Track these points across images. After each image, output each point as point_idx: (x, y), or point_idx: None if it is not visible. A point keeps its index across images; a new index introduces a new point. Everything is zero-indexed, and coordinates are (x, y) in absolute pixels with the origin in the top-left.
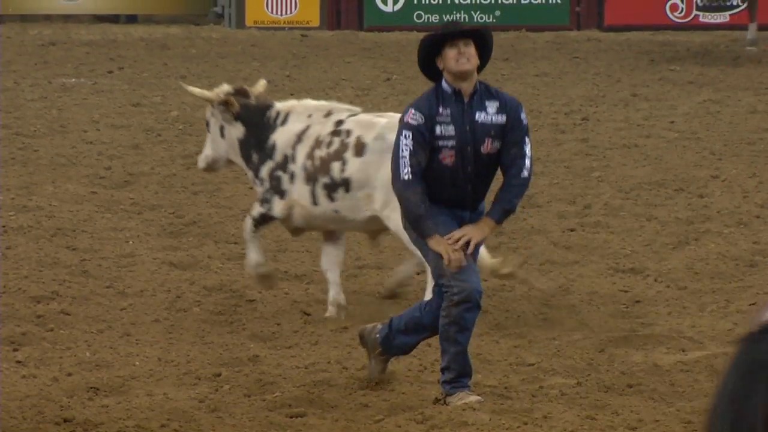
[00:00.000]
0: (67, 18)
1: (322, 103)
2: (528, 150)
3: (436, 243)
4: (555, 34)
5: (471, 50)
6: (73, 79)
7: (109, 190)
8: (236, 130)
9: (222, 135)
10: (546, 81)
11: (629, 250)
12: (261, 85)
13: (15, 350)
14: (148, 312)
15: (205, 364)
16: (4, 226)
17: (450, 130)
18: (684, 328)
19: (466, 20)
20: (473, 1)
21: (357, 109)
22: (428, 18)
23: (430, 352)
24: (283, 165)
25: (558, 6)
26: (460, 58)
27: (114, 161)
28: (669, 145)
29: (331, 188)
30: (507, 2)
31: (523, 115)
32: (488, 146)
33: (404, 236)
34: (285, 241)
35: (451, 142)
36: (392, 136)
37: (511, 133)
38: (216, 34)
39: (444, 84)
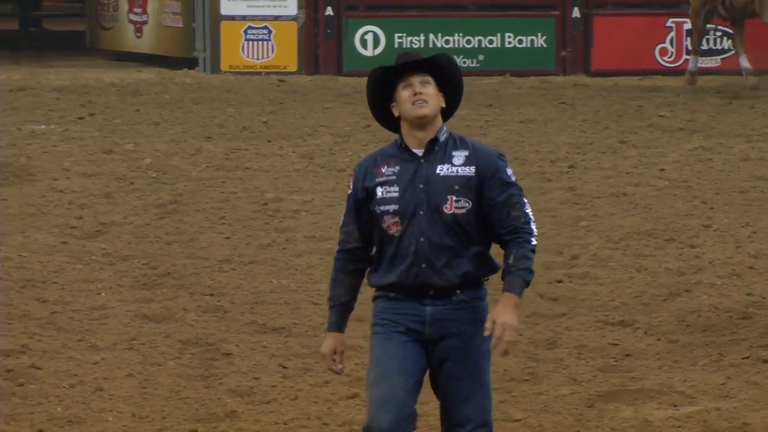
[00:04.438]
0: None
1: None
2: (531, 213)
3: (324, 345)
4: (540, 79)
5: (430, 90)
6: (43, 126)
7: (80, 240)
8: None
9: None
10: (531, 128)
11: (618, 302)
12: None
13: None
14: (121, 366)
15: (180, 420)
16: None
17: (393, 191)
18: (675, 383)
19: None
20: (456, 45)
21: None
22: None
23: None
24: None
25: (543, 50)
26: (415, 100)
27: (85, 210)
28: (659, 194)
29: None
30: (491, 46)
31: (505, 168)
32: (452, 205)
33: None
34: (262, 293)
35: (392, 207)
36: None
37: (490, 188)
38: (190, 80)
39: (399, 137)
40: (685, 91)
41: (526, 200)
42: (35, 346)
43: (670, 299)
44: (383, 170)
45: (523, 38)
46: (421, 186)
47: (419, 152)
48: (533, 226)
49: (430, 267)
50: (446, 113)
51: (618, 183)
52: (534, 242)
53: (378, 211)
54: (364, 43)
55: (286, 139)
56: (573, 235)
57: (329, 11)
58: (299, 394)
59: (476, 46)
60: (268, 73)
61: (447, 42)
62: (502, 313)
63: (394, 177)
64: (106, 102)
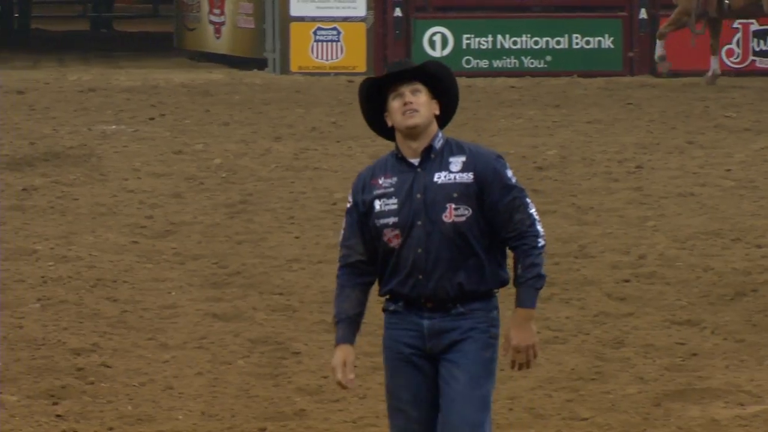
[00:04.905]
0: None
1: None
2: (535, 213)
3: (334, 357)
4: (607, 79)
5: (421, 98)
6: (114, 126)
7: (151, 239)
8: None
9: None
10: (598, 128)
11: (685, 302)
12: None
13: (55, 404)
14: (191, 365)
15: (249, 418)
16: (43, 277)
17: (392, 203)
18: (742, 382)
19: (516, 66)
20: (524, 46)
21: None
22: (477, 63)
23: None
24: None
25: (610, 51)
26: (406, 109)
27: (155, 210)
28: (725, 194)
29: None
30: (558, 47)
31: (504, 170)
32: (451, 213)
33: None
34: (331, 292)
35: (392, 219)
36: None
37: (491, 193)
38: (259, 80)
39: (395, 147)
40: (750, 92)
41: (529, 200)
42: (106, 344)
43: (736, 299)
44: (380, 182)
45: (591, 39)
46: (419, 196)
47: (415, 162)
48: (539, 227)
49: (427, 278)
50: (442, 120)
51: (685, 183)
52: (541, 243)
53: (378, 225)
54: (432, 44)
55: (355, 140)
56: (640, 235)
57: (398, 12)
58: (368, 392)
59: (544, 47)
60: (337, 74)
61: (515, 43)
62: (515, 334)
63: (392, 189)
64: (176, 102)
